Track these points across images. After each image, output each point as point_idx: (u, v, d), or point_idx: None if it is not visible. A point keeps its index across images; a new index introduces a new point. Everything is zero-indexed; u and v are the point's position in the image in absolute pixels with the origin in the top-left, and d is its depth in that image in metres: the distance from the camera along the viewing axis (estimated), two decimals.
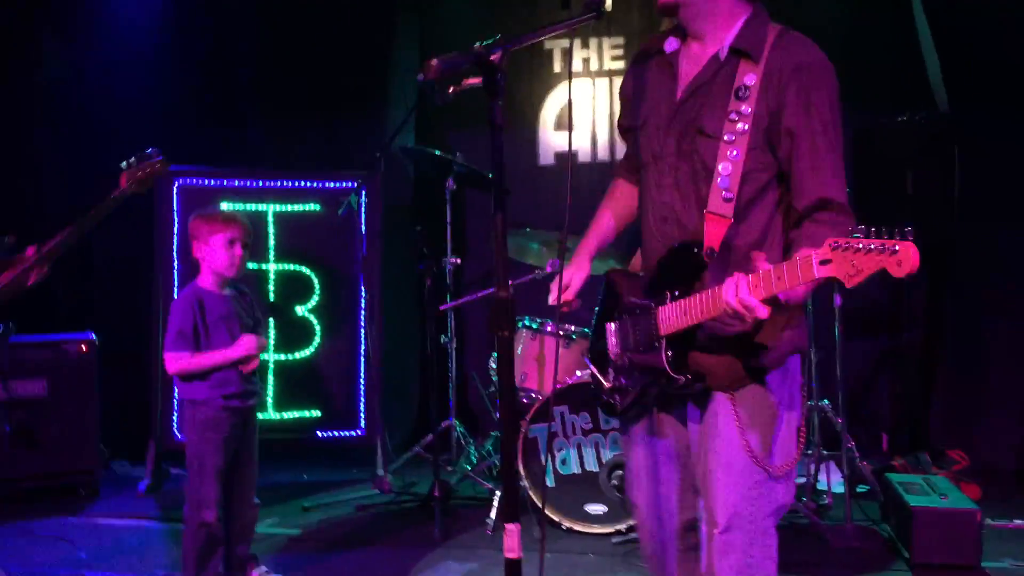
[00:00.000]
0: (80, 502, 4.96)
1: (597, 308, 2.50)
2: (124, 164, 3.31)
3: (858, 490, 4.75)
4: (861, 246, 1.79)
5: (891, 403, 5.73)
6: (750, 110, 2.11)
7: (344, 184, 5.52)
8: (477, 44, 1.64)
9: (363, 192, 5.44)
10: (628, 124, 2.42)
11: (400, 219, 5.89)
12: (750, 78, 2.12)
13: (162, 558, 4.15)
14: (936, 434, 5.41)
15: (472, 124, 5.03)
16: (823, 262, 1.82)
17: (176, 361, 3.53)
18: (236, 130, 6.18)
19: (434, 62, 1.62)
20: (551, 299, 2.39)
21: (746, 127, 2.11)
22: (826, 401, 4.66)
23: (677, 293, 2.15)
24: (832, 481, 4.68)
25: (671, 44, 2.29)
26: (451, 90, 1.66)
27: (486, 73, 1.67)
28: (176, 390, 5.22)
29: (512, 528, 1.73)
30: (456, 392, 5.35)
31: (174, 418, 5.44)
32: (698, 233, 2.16)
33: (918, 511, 3.83)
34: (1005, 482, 4.97)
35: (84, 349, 5.12)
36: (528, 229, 4.86)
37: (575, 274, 2.44)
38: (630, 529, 4.00)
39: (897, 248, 1.75)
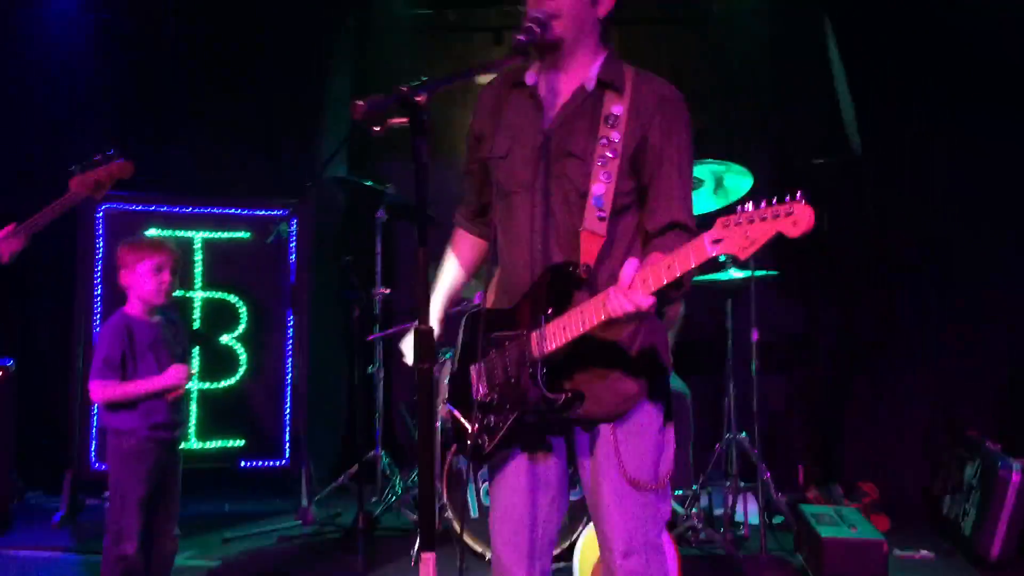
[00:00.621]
0: None
1: (455, 354, 2.46)
2: (73, 167, 3.34)
3: (775, 521, 4.88)
4: (753, 217, 1.88)
5: (806, 435, 5.89)
6: (619, 137, 2.25)
7: (275, 212, 5.51)
8: (404, 86, 1.70)
9: (294, 221, 5.45)
10: (488, 155, 2.41)
11: (331, 248, 5.89)
12: (617, 108, 2.26)
13: None
14: (849, 467, 5.59)
15: (405, 154, 4.98)
16: (715, 241, 1.92)
17: (102, 389, 3.48)
18: (165, 154, 6.11)
19: (360, 103, 1.67)
20: (408, 361, 2.48)
21: (616, 152, 2.24)
22: (744, 433, 4.78)
23: (551, 312, 2.20)
24: (749, 512, 4.79)
25: (531, 77, 2.38)
26: (377, 129, 1.72)
27: (411, 113, 1.73)
28: (98, 418, 5.13)
29: (427, 557, 1.76)
30: (383, 423, 5.35)
31: (92, 447, 5.32)
32: (567, 250, 2.25)
33: (828, 542, 3.96)
34: (913, 514, 5.15)
35: (0, 375, 5.00)
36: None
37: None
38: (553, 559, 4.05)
39: (792, 209, 1.83)
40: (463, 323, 2.46)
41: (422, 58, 6.20)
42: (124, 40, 6.09)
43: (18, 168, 5.65)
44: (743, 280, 4.61)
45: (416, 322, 1.85)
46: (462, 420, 2.36)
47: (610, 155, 2.23)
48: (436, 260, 2.45)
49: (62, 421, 5.37)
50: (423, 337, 1.77)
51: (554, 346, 2.16)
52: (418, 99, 1.73)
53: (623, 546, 2.27)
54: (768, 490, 4.71)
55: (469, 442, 2.32)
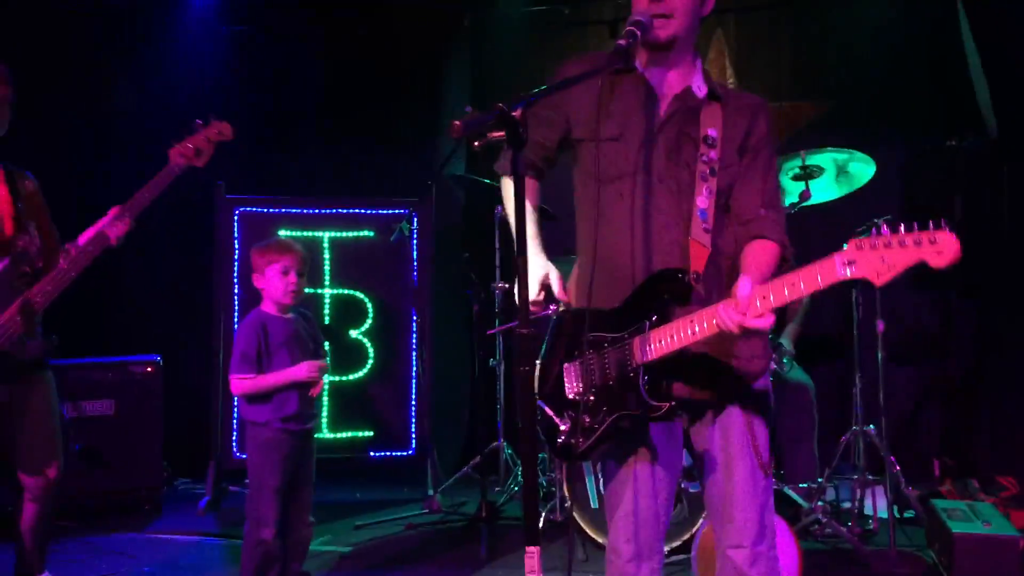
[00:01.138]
0: (144, 518, 5.17)
1: (544, 349, 2.44)
2: (171, 141, 3.38)
3: (905, 516, 4.75)
4: (891, 242, 1.83)
5: (940, 428, 5.69)
6: (716, 156, 2.28)
7: (396, 211, 5.69)
8: (500, 103, 1.77)
9: (414, 219, 5.61)
10: (590, 136, 2.35)
11: (451, 245, 6.04)
12: (712, 130, 2.30)
13: (220, 573, 4.32)
14: (986, 460, 5.37)
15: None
16: (848, 262, 1.88)
17: (240, 382, 3.69)
18: (295, 158, 6.41)
19: (457, 124, 1.74)
20: (534, 301, 2.31)
21: (714, 170, 2.28)
22: (871, 426, 4.66)
23: (655, 319, 2.21)
24: (878, 506, 4.68)
25: (640, 66, 2.37)
26: (476, 144, 1.79)
27: (508, 127, 1.80)
28: (237, 411, 5.43)
29: (532, 551, 1.83)
30: (504, 414, 5.47)
31: (234, 438, 5.64)
32: (674, 255, 2.27)
33: (959, 537, 3.83)
34: None
35: (150, 370, 5.35)
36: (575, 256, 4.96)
37: (550, 271, 2.37)
38: (672, 551, 4.07)
39: (936, 238, 1.79)
40: (555, 318, 2.44)
41: (538, 53, 6.27)
42: (256, 50, 6.41)
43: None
44: None
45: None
46: (552, 416, 2.36)
47: (709, 172, 2.28)
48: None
49: (206, 413, 5.70)
50: (524, 342, 1.83)
51: (659, 354, 2.18)
52: (514, 114, 1.79)
53: (753, 535, 2.31)
54: (898, 483, 4.58)
55: (560, 439, 2.32)
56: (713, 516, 2.41)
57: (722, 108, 2.34)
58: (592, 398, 2.28)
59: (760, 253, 2.28)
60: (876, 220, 4.48)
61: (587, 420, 2.27)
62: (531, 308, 2.29)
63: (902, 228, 1.83)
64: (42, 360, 3.34)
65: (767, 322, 2.03)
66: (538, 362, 2.37)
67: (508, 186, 2.49)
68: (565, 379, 2.35)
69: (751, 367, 2.34)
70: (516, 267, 1.86)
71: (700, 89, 2.36)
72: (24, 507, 3.39)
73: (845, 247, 1.90)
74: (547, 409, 2.36)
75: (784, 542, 3.40)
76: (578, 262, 2.48)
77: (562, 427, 2.32)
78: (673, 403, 2.19)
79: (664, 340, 2.18)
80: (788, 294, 1.99)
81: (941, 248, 1.78)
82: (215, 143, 3.35)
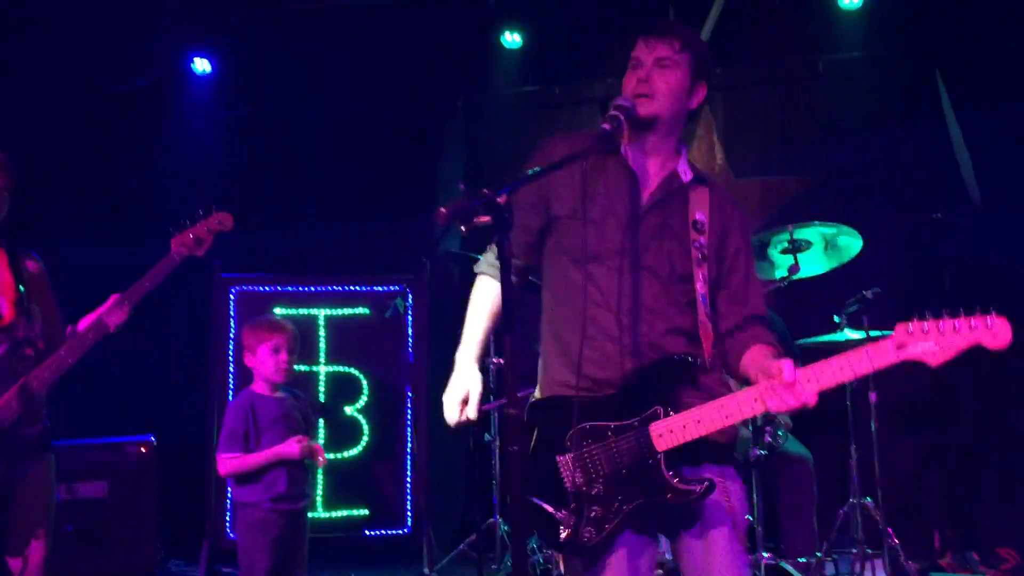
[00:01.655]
0: None
1: (521, 444, 2.40)
2: (171, 229, 3.41)
3: None
4: (944, 328, 1.99)
5: (939, 500, 5.65)
6: (706, 242, 2.35)
7: (391, 288, 5.72)
8: (486, 189, 1.82)
9: (409, 295, 5.67)
10: (571, 216, 2.37)
11: (446, 320, 6.05)
12: (700, 215, 2.37)
13: None
14: (987, 532, 5.33)
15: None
16: (900, 346, 2.01)
17: (227, 462, 3.70)
18: (290, 236, 6.48)
19: (443, 211, 1.80)
20: (451, 417, 2.38)
21: (705, 255, 2.35)
22: (868, 499, 4.64)
23: (670, 408, 2.22)
24: None
25: (626, 151, 2.42)
26: (464, 229, 1.84)
27: (494, 213, 1.85)
28: (229, 492, 5.39)
29: None
30: (500, 489, 5.43)
31: (227, 518, 5.58)
32: (681, 340, 2.31)
33: None
34: None
35: (143, 451, 5.32)
36: None
37: (472, 385, 2.42)
38: None
39: (991, 323, 1.95)
40: (538, 408, 2.39)
41: (530, 131, 6.39)
42: (252, 131, 6.54)
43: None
44: (860, 341, 4.53)
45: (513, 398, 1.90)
46: (552, 512, 2.28)
47: (701, 257, 2.34)
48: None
49: (200, 493, 5.66)
50: (513, 422, 1.85)
51: (679, 442, 2.19)
52: (499, 200, 1.84)
53: None
54: (897, 557, 4.54)
55: (564, 533, 2.25)
56: None
57: (709, 193, 2.40)
58: (600, 488, 2.24)
59: (768, 350, 2.30)
60: (865, 292, 4.56)
61: (599, 511, 2.23)
62: (448, 419, 2.39)
63: (945, 315, 2.00)
64: (44, 443, 3.32)
65: (813, 399, 2.10)
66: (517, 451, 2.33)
67: (478, 287, 2.59)
68: (562, 472, 2.28)
69: (729, 434, 2.36)
70: (504, 346, 1.89)
71: (686, 174, 2.42)
72: None
73: (894, 332, 2.04)
74: (544, 505, 2.28)
75: None
76: (542, 350, 2.47)
77: (565, 521, 2.26)
78: (706, 484, 2.19)
79: (685, 425, 2.19)
80: (838, 378, 2.08)
81: (996, 333, 1.96)
82: (215, 233, 3.40)
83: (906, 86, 5.83)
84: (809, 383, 2.08)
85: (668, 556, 3.92)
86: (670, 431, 2.20)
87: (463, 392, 2.40)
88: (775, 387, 2.11)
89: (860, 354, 2.04)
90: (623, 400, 2.27)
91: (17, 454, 3.19)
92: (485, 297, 2.55)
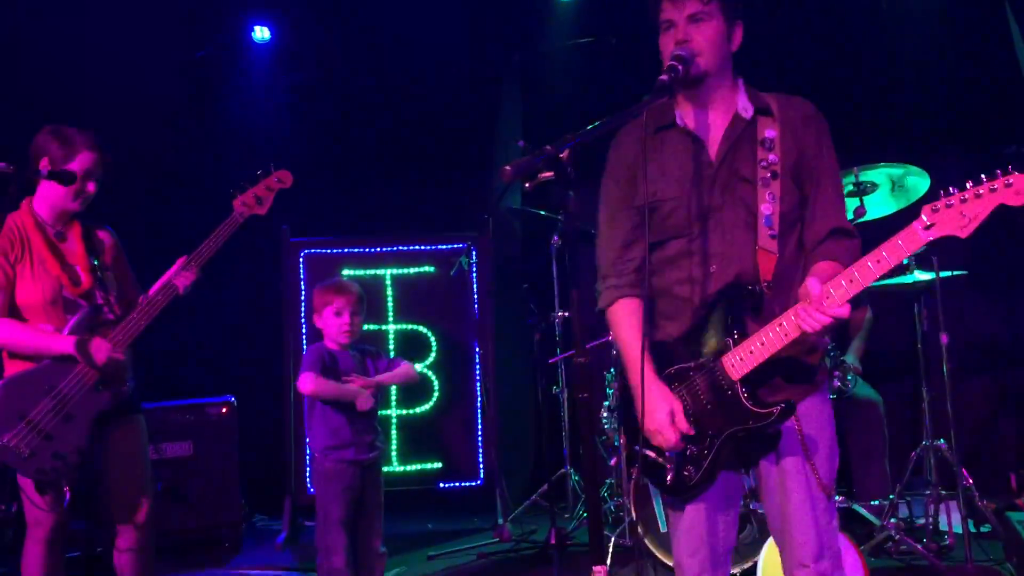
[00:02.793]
0: (225, 555, 5.30)
1: (619, 395, 2.49)
2: (233, 190, 3.49)
3: (982, 530, 4.66)
4: (966, 197, 1.97)
5: (1015, 440, 5.58)
6: (777, 159, 2.35)
7: (456, 246, 5.81)
8: (548, 145, 1.86)
9: (473, 252, 5.74)
10: (652, 199, 2.40)
11: (510, 277, 6.13)
12: (770, 132, 2.38)
13: None
14: None
15: (578, 181, 5.25)
16: (927, 227, 2.02)
17: (313, 381, 3.79)
18: (355, 199, 6.60)
19: (507, 168, 1.84)
20: (671, 440, 2.29)
21: (777, 173, 2.35)
22: (942, 441, 4.61)
23: (736, 336, 2.29)
24: (952, 521, 4.61)
25: (679, 118, 2.45)
26: (528, 185, 1.88)
27: (557, 168, 1.89)
28: (308, 447, 5.57)
29: (599, 570, 1.89)
30: (569, 441, 5.51)
31: (307, 474, 5.77)
32: (743, 268, 2.33)
33: None
34: None
35: (225, 411, 5.51)
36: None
37: (672, 402, 2.33)
38: (744, 574, 4.07)
39: (1012, 181, 1.93)
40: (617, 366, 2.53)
41: (587, 84, 6.36)
42: (315, 96, 6.62)
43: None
44: (929, 282, 4.47)
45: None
46: (656, 457, 2.37)
47: (771, 176, 2.35)
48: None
49: (280, 451, 5.86)
50: (581, 370, 1.91)
51: (751, 367, 2.26)
52: (561, 155, 1.88)
53: (814, 554, 2.32)
54: (971, 497, 4.51)
55: (670, 476, 2.34)
56: (774, 535, 2.44)
57: (778, 111, 2.42)
58: (695, 427, 2.33)
59: (824, 267, 2.32)
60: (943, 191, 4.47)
61: (694, 450, 2.33)
62: (668, 442, 2.30)
63: (970, 184, 1.98)
64: (134, 405, 3.47)
65: (845, 311, 2.11)
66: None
67: (615, 310, 2.48)
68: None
69: (810, 360, 2.38)
70: (570, 299, 1.94)
71: (747, 111, 2.43)
72: (119, 559, 3.43)
73: (920, 215, 2.04)
74: (648, 453, 2.37)
75: (850, 559, 3.39)
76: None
77: (668, 464, 2.36)
78: (783, 406, 2.25)
79: (752, 350, 2.25)
80: (875, 271, 2.08)
81: (1018, 189, 1.91)
82: (275, 191, 3.45)
83: (972, 18, 5.66)
84: (838, 288, 2.12)
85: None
86: (740, 359, 2.27)
87: (667, 410, 2.31)
88: (806, 308, 2.15)
89: (891, 243, 2.05)
90: (693, 337, 2.37)
91: (107, 417, 3.32)
92: (627, 313, 2.45)
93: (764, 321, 2.27)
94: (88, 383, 3.24)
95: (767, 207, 2.33)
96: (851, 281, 2.12)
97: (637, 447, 2.39)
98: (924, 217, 2.02)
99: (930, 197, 4.59)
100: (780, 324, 2.22)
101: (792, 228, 2.40)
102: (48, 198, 3.39)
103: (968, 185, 1.95)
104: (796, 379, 2.35)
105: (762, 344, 2.24)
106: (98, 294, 3.37)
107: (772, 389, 2.32)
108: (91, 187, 3.39)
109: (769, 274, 2.31)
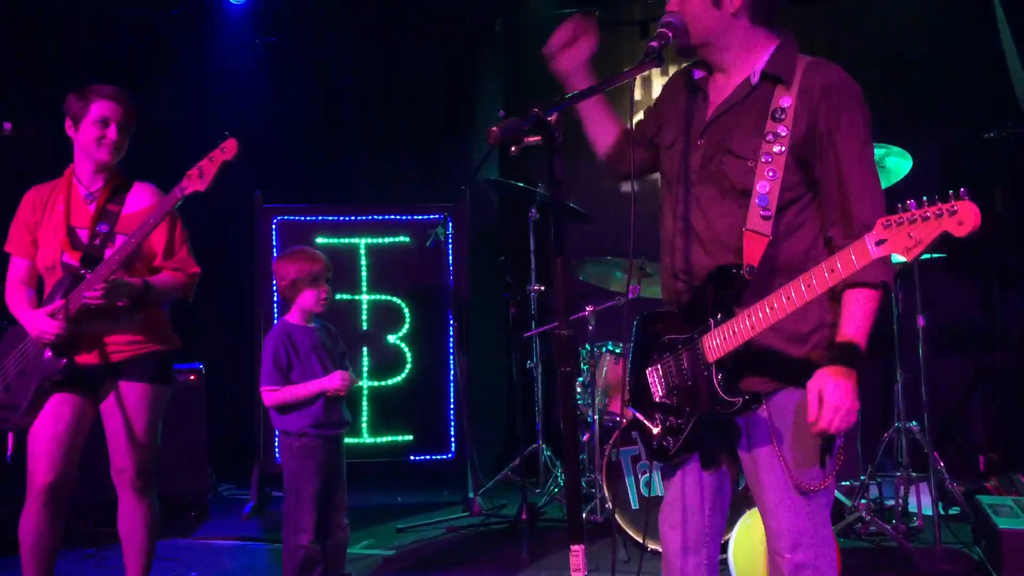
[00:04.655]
0: (191, 523, 5.25)
1: (631, 355, 2.48)
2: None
3: (951, 512, 4.70)
4: (915, 217, 1.84)
5: (984, 422, 5.62)
6: (787, 131, 2.19)
7: (432, 216, 5.73)
8: (535, 107, 1.79)
9: (450, 223, 5.66)
10: (659, 143, 2.46)
11: (486, 248, 6.07)
12: (785, 100, 2.21)
13: None
14: None
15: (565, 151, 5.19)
16: (879, 242, 1.89)
17: (271, 394, 3.74)
18: (330, 166, 6.49)
19: (493, 130, 1.77)
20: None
21: (783, 148, 2.19)
22: (914, 423, 4.62)
23: (720, 316, 2.21)
24: (922, 503, 4.63)
25: (697, 72, 2.39)
26: (513, 149, 1.81)
27: (544, 132, 1.82)
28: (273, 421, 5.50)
29: (577, 549, 1.84)
30: (543, 416, 5.49)
31: (276, 444, 5.70)
32: (727, 251, 2.25)
33: (1006, 533, 3.79)
34: None
35: (193, 379, 5.43)
36: (610, 257, 4.98)
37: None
38: None
39: (956, 208, 1.79)
40: (636, 325, 2.48)
41: None
42: (289, 60, 6.50)
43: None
44: (907, 264, 4.47)
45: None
46: (645, 422, 2.39)
47: (777, 150, 2.19)
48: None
49: (248, 420, 5.79)
50: (563, 343, 1.85)
51: (726, 350, 2.19)
52: (549, 119, 1.81)
53: (790, 543, 2.26)
54: (942, 480, 4.54)
55: (654, 444, 2.36)
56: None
57: (801, 76, 2.23)
58: (676, 399, 2.31)
59: (851, 309, 2.19)
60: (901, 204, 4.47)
61: (675, 421, 2.31)
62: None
63: (924, 202, 1.84)
64: (139, 371, 3.43)
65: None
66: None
67: None
68: (650, 383, 2.39)
69: (795, 352, 2.26)
70: (554, 268, 1.88)
71: (755, 76, 2.27)
72: (119, 521, 3.45)
73: (874, 228, 1.91)
74: (639, 415, 2.40)
75: None
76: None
77: (655, 430, 2.35)
78: (746, 397, 2.17)
79: (727, 335, 2.17)
80: (830, 279, 1.98)
81: (962, 218, 1.78)
82: (219, 162, 3.21)
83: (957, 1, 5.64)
84: (809, 289, 2.03)
85: None
86: (717, 343, 2.20)
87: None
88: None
89: (845, 254, 1.94)
90: (688, 312, 2.32)
91: (90, 380, 3.35)
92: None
93: (744, 307, 2.17)
94: (40, 346, 3.30)
95: (764, 185, 2.19)
96: (808, 286, 2.02)
97: (630, 407, 2.40)
98: (877, 231, 1.89)
99: (911, 179, 4.60)
100: (751, 312, 2.13)
101: (792, 205, 2.23)
102: (80, 156, 3.44)
103: (923, 203, 1.83)
104: (774, 371, 2.25)
105: (734, 332, 2.17)
106: (98, 257, 3.28)
107: (745, 378, 2.24)
108: (112, 133, 3.38)
109: (755, 258, 2.19)
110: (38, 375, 3.30)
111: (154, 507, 3.50)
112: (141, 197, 3.49)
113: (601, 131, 2.59)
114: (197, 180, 3.21)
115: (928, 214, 1.82)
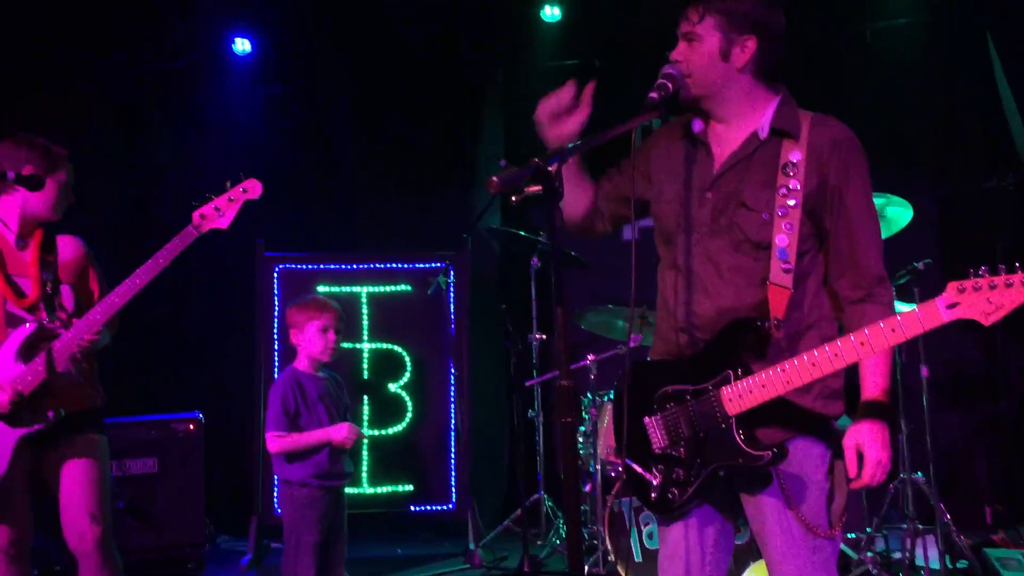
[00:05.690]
0: (187, 575, 5.18)
1: (614, 404, 2.50)
2: (194, 202, 3.26)
3: (958, 566, 4.62)
4: (996, 283, 1.89)
5: (991, 473, 5.56)
6: (799, 185, 2.22)
7: (433, 264, 5.73)
8: (536, 158, 1.80)
9: (451, 272, 5.66)
10: (655, 198, 2.43)
11: (487, 297, 6.06)
12: (795, 155, 2.23)
13: None
14: None
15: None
16: (950, 306, 1.93)
17: (277, 440, 3.72)
18: (332, 215, 6.52)
19: (495, 180, 1.78)
20: None
21: (797, 202, 2.21)
22: (919, 474, 4.57)
23: (740, 371, 2.19)
24: (929, 556, 4.56)
25: (697, 124, 2.38)
26: (514, 199, 1.82)
27: (544, 182, 1.82)
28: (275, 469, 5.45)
29: None
30: (544, 465, 5.43)
31: (275, 494, 5.63)
32: (741, 304, 2.24)
33: None
34: None
35: (191, 428, 5.38)
36: (611, 305, 4.97)
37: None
38: None
39: None
40: (627, 371, 2.44)
41: None
42: (293, 109, 6.56)
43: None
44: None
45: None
46: (642, 472, 2.34)
47: (791, 203, 2.21)
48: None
49: (247, 470, 5.73)
50: (564, 394, 1.83)
51: (751, 404, 2.17)
52: (550, 168, 1.82)
53: None
54: (949, 532, 4.47)
55: (654, 494, 2.31)
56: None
57: (809, 131, 2.26)
58: (682, 451, 2.27)
59: (876, 362, 2.20)
60: (916, 264, 4.47)
61: (681, 473, 2.27)
62: None
63: (1002, 270, 1.90)
64: (93, 423, 3.30)
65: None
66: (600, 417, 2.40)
67: None
68: (649, 433, 2.34)
69: (828, 410, 2.27)
70: (555, 318, 1.87)
71: (763, 130, 2.29)
72: None
73: (945, 291, 1.95)
74: (634, 466, 2.35)
75: None
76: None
77: (654, 482, 2.31)
78: (776, 450, 2.16)
79: (755, 390, 2.16)
80: (890, 340, 2.01)
81: None
82: (240, 202, 3.17)
83: (956, 51, 5.69)
84: (863, 347, 2.04)
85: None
86: (739, 396, 2.18)
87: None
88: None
89: (911, 316, 1.96)
90: (701, 364, 2.28)
91: (60, 434, 3.18)
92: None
93: (768, 360, 2.18)
94: None
95: (783, 238, 2.20)
96: (862, 344, 2.04)
97: (626, 459, 2.36)
98: (949, 295, 1.93)
99: (912, 228, 4.60)
100: (785, 367, 2.13)
101: (806, 256, 2.25)
102: (17, 205, 3.26)
103: (1001, 269, 1.88)
104: (783, 421, 2.24)
105: (763, 387, 2.15)
106: (43, 308, 3.19)
107: (767, 430, 2.22)
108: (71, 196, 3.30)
109: (780, 311, 2.19)
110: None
111: (120, 563, 3.32)
112: (69, 245, 3.40)
113: (580, 192, 2.53)
114: (217, 218, 3.16)
115: (1013, 280, 1.87)
